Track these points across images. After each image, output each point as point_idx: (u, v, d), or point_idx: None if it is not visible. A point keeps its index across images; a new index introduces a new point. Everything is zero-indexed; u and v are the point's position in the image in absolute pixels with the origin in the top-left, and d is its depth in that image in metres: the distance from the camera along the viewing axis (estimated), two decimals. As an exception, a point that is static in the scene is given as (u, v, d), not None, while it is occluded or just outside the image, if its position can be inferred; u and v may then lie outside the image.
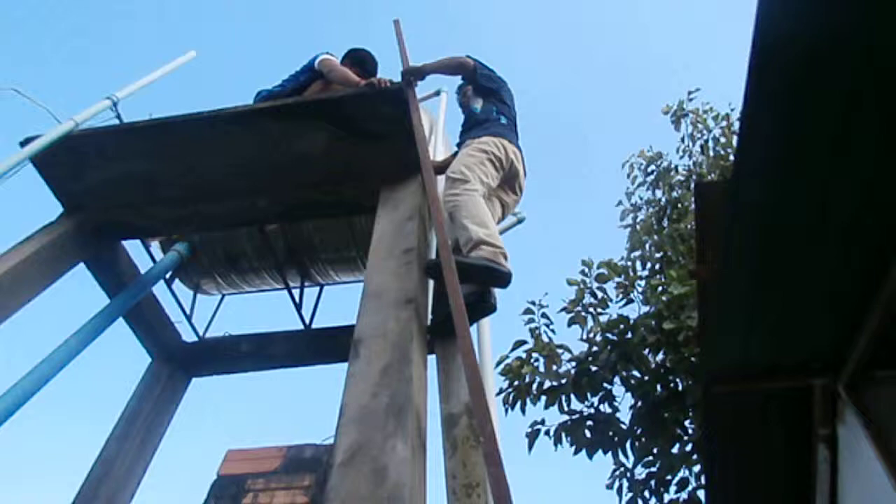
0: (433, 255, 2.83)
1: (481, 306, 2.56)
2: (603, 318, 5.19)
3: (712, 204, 2.09)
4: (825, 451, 2.34)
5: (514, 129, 3.38)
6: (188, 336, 4.42)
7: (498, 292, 2.81)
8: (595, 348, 4.83)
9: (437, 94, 5.53)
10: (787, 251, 1.79)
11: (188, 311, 4.41)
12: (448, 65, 3.57)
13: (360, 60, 4.01)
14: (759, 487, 2.65)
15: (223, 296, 4.81)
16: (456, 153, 3.85)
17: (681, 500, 4.38)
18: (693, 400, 4.05)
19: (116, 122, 3.70)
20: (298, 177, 3.31)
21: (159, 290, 4.12)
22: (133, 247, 3.97)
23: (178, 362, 4.26)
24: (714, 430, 2.46)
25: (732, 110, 8.05)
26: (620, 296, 5.41)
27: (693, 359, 4.03)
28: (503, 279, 2.53)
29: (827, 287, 1.92)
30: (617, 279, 5.47)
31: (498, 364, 4.99)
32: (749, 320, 2.03)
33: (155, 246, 4.16)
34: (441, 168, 3.76)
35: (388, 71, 4.47)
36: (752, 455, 2.54)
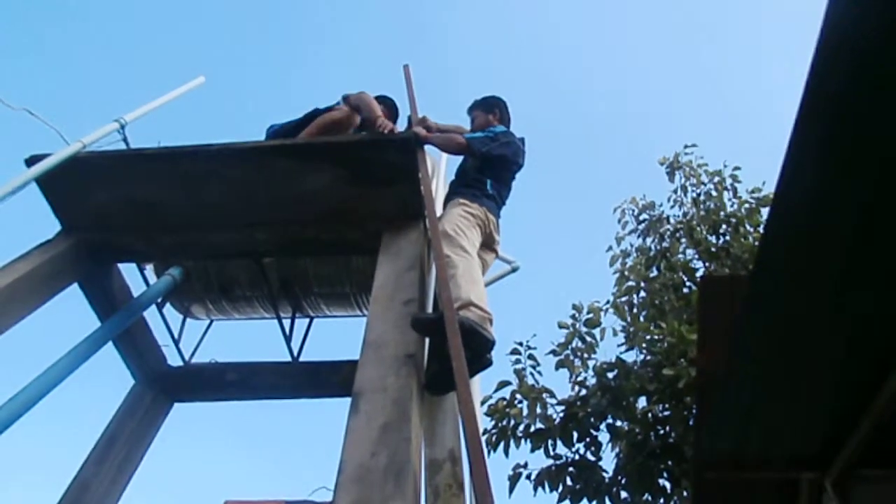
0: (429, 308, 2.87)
1: (479, 362, 2.59)
2: (590, 364, 5.22)
3: (717, 296, 2.16)
4: (807, 538, 2.40)
5: (499, 201, 3.66)
6: (174, 360, 4.39)
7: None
8: (584, 392, 4.84)
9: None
10: (794, 355, 1.85)
11: (176, 336, 4.38)
12: (447, 145, 3.73)
13: (389, 107, 4.31)
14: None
15: (211, 321, 4.79)
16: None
17: None
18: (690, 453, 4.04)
19: (123, 145, 3.71)
20: (300, 213, 3.34)
21: (148, 311, 4.10)
22: (125, 267, 3.97)
23: (162, 386, 4.22)
24: None
25: (725, 167, 8.24)
26: (623, 340, 5.42)
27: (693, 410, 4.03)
28: (486, 346, 2.61)
29: (825, 394, 1.99)
30: (622, 322, 5.50)
31: (482, 403, 4.99)
32: (747, 415, 2.08)
33: (149, 269, 4.14)
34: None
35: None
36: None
